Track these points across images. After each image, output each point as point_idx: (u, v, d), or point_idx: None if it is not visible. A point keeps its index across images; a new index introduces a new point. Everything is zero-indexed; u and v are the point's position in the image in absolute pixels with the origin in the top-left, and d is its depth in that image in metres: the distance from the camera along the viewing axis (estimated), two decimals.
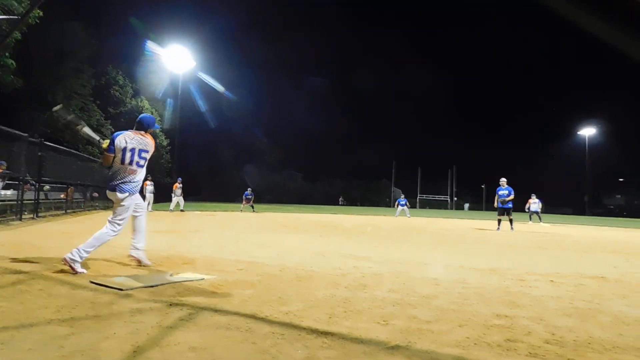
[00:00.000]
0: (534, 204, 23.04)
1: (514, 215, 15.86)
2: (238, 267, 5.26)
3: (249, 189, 26.40)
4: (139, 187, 5.03)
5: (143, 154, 4.97)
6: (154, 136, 5.16)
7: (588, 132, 58.51)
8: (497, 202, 15.50)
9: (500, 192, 15.44)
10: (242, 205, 25.91)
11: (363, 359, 2.34)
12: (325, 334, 2.75)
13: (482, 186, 70.83)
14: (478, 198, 69.62)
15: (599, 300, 4.08)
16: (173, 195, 22.62)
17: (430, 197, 69.16)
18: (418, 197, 69.67)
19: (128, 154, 4.86)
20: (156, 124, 5.47)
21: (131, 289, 3.82)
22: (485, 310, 3.51)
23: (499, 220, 15.61)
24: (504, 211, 15.41)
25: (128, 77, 37.36)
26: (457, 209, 66.81)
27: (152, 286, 3.94)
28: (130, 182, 4.90)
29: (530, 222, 22.57)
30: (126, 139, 4.90)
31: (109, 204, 22.34)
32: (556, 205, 56.08)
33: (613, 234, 16.56)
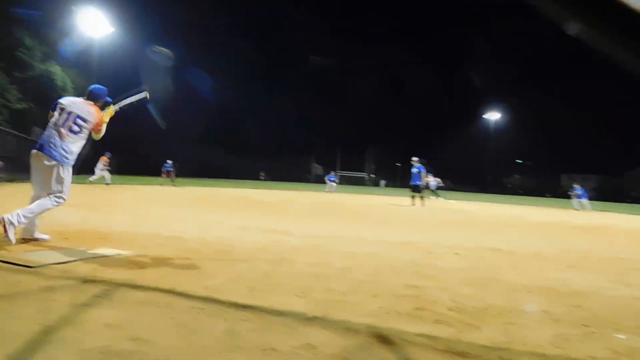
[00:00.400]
0: (432, 181, 24.62)
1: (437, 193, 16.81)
2: (157, 241, 5.09)
3: (168, 161, 25.08)
4: (71, 159, 4.71)
5: (79, 121, 4.69)
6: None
7: (493, 116, 63.00)
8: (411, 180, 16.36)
9: (412, 171, 16.27)
10: (161, 178, 24.75)
11: (282, 330, 2.40)
12: (245, 307, 2.78)
13: (398, 164, 74.13)
14: (394, 176, 72.93)
15: (495, 270, 4.50)
16: (97, 168, 21.08)
17: (349, 173, 71.12)
18: (337, 174, 71.38)
19: (64, 115, 4.63)
20: (108, 97, 5.10)
21: (41, 265, 3.55)
22: (397, 282, 3.74)
23: (413, 197, 16.49)
24: (415, 188, 16.26)
25: (37, 39, 33.52)
26: (374, 185, 69.38)
27: (64, 262, 3.70)
28: (57, 147, 4.55)
29: (440, 199, 24.08)
30: (70, 101, 4.76)
31: (17, 176, 20.15)
32: (463, 184, 60.24)
33: (510, 211, 18.25)
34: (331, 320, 2.63)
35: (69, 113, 4.65)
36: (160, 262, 4.01)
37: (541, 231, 9.72)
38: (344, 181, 68.71)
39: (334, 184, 28.12)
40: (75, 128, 4.67)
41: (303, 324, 2.53)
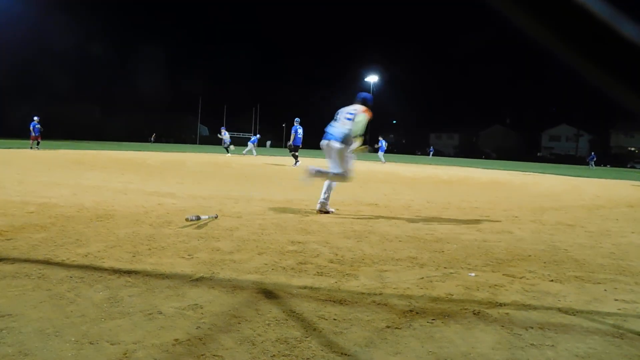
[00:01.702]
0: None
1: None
2: (26, 209, 4.59)
3: (35, 117, 21.50)
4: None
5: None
6: None
7: (372, 79, 65.88)
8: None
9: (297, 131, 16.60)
10: (31, 142, 21.32)
11: (167, 293, 2.38)
12: (129, 272, 2.69)
13: (283, 125, 74.38)
14: (279, 136, 73.16)
15: (371, 223, 4.88)
16: None
17: (235, 134, 69.79)
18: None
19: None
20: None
21: None
22: (282, 238, 3.88)
23: (294, 156, 16.87)
24: (293, 147, 16.75)
25: None
26: (260, 146, 69.04)
27: None
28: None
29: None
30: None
31: None
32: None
33: (385, 168, 19.58)
34: (217, 279, 2.67)
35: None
36: (30, 231, 3.64)
37: (411, 186, 10.64)
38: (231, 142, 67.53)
39: (253, 147, 27.02)
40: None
41: (189, 285, 2.53)
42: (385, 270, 3.05)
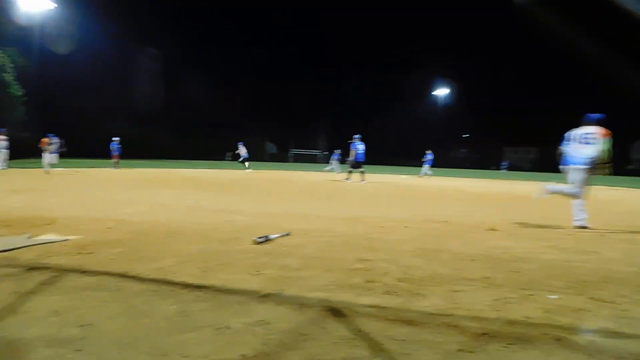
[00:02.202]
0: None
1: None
2: (106, 225, 4.93)
3: (115, 138, 23.16)
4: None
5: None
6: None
7: (442, 92, 64.58)
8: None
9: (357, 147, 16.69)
10: (114, 161, 22.98)
11: (236, 308, 2.42)
12: (199, 287, 2.78)
13: (349, 142, 74.71)
14: (346, 152, 73.32)
15: (442, 241, 4.70)
16: (43, 153, 19.34)
17: (303, 151, 71.14)
18: (291, 152, 71.25)
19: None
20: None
21: None
22: (349, 256, 3.83)
23: (350, 172, 16.87)
24: (355, 163, 16.68)
25: None
26: (327, 162, 69.75)
27: (6, 250, 3.52)
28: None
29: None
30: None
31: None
32: (411, 159, 61.80)
33: (457, 183, 18.96)
34: (284, 296, 2.68)
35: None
36: (109, 246, 3.90)
37: (484, 202, 10.19)
38: (298, 158, 68.73)
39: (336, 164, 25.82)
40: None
41: (256, 302, 2.56)
42: (457, 291, 2.90)
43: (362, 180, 16.41)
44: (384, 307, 2.52)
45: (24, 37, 31.76)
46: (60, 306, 2.33)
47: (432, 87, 65.53)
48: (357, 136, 16.45)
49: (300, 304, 2.54)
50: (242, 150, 25.64)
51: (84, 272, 3.04)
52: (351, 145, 16.56)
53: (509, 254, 4.14)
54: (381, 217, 6.55)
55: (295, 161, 67.57)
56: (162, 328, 2.11)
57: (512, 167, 58.72)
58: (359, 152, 16.37)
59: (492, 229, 5.52)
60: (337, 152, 26.66)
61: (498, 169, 57.90)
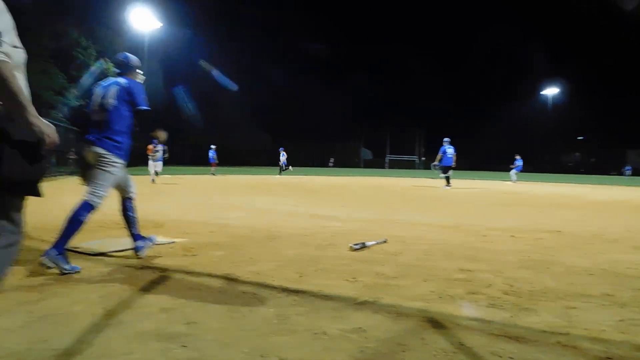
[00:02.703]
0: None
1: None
2: (208, 229, 5.26)
3: (213, 146, 24.36)
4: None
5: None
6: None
7: (551, 91, 59.87)
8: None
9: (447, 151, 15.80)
10: (212, 169, 24.70)
11: (332, 314, 2.41)
12: (296, 292, 2.82)
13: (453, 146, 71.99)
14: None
15: (553, 252, 4.30)
16: (149, 161, 21.21)
17: (399, 157, 70.06)
18: (387, 158, 70.57)
19: None
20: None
21: (101, 253, 3.78)
22: (449, 265, 3.66)
23: (446, 178, 15.90)
24: (442, 168, 15.81)
25: (91, 38, 35.21)
26: (425, 169, 68.10)
27: (121, 250, 3.90)
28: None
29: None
30: None
31: (75, 170, 21.39)
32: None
33: (570, 190, 17.34)
34: (381, 304, 2.62)
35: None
36: (211, 248, 4.14)
37: (603, 211, 9.19)
38: (394, 164, 67.80)
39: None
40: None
41: (353, 308, 2.53)
42: (573, 307, 2.62)
43: (447, 186, 15.68)
44: (489, 321, 2.35)
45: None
46: (168, 304, 2.50)
47: (540, 86, 61.01)
48: (446, 140, 15.80)
49: (397, 313, 2.47)
50: (283, 157, 26.22)
51: (188, 272, 3.25)
52: (440, 149, 15.89)
53: (636, 269, 3.66)
54: (483, 225, 6.20)
55: (391, 167, 66.81)
56: (260, 330, 2.17)
57: (637, 172, 52.35)
58: (447, 156, 15.65)
59: (614, 241, 4.95)
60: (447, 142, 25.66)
61: (620, 174, 51.97)
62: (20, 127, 1.60)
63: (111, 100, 3.50)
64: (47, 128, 1.66)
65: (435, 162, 15.95)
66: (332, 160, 64.34)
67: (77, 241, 4.28)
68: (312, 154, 63.86)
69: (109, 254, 3.82)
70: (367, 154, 76.68)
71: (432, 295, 2.83)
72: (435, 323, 2.32)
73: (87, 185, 3.36)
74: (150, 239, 3.85)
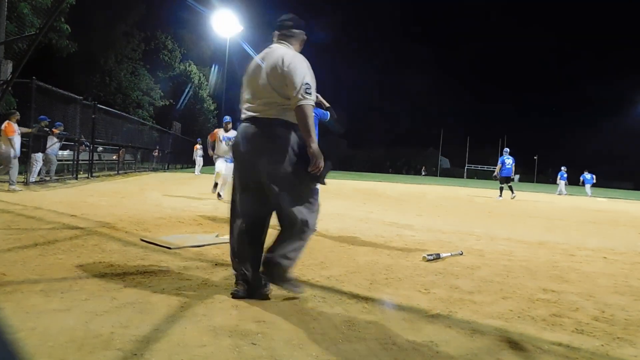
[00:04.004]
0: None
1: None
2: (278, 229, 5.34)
3: None
4: None
5: None
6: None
7: None
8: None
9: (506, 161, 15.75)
10: None
11: (402, 325, 2.33)
12: (366, 299, 2.77)
13: (535, 157, 68.11)
14: (529, 169, 66.76)
15: None
16: (196, 157, 22.26)
17: (479, 167, 67.31)
18: (466, 167, 68.11)
19: None
20: None
21: (178, 247, 3.97)
22: (531, 284, 3.41)
23: (509, 187, 15.82)
24: (501, 179, 15.81)
25: (176, 41, 37.76)
26: None
27: (198, 246, 4.08)
28: None
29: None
30: None
31: (157, 166, 22.89)
32: (616, 180, 53.04)
33: None
34: (455, 319, 2.49)
35: None
36: None
37: None
38: (473, 174, 65.26)
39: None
40: None
41: (425, 321, 2.43)
42: None
43: (499, 197, 15.74)
44: (576, 348, 2.15)
45: (217, 57, 37.11)
46: (240, 301, 2.55)
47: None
48: (506, 150, 15.94)
49: (472, 329, 2.33)
50: None
51: None
52: (499, 159, 15.89)
53: None
54: (571, 243, 5.73)
55: (469, 177, 64.34)
56: (329, 334, 2.14)
57: None
58: (506, 167, 15.52)
59: None
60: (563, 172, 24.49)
61: None
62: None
63: None
64: (319, 154, 2.51)
65: (495, 173, 15.98)
66: (424, 168, 63.35)
67: (156, 235, 4.54)
68: (396, 160, 63.23)
69: (186, 248, 3.99)
70: (446, 162, 74.55)
71: (511, 314, 2.65)
72: (514, 344, 2.17)
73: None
74: None
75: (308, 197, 2.70)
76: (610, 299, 3.13)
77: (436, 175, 63.88)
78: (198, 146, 22.24)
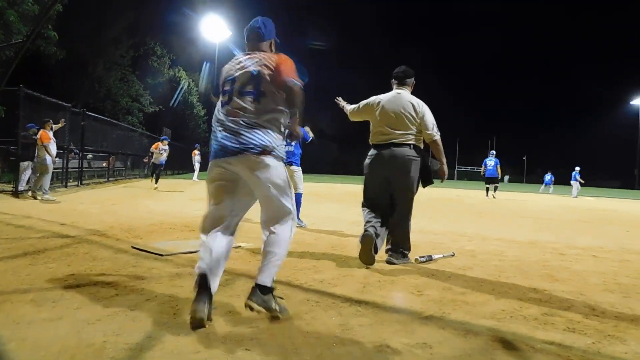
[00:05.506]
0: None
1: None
2: None
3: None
4: None
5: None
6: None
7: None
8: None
9: (489, 163, 17.01)
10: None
11: (396, 327, 2.34)
12: (359, 302, 2.77)
13: (524, 158, 68.66)
14: (519, 169, 67.30)
15: None
16: (194, 163, 22.22)
17: (469, 168, 67.69)
18: (456, 169, 68.44)
19: None
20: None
21: (170, 254, 3.95)
22: (523, 284, 3.44)
23: (487, 188, 17.23)
24: (491, 180, 17.07)
25: (165, 47, 37.58)
26: (501, 181, 64.98)
27: (190, 252, 4.06)
28: None
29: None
30: None
31: (148, 173, 22.73)
32: (603, 179, 53.53)
33: None
34: (448, 320, 2.50)
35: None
36: None
37: None
38: (463, 176, 65.58)
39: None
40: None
41: (418, 322, 2.44)
42: None
43: (487, 196, 16.81)
44: (568, 347, 2.17)
45: (205, 62, 37.00)
46: (235, 307, 2.55)
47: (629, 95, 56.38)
48: (492, 152, 17.11)
49: (465, 330, 2.34)
50: None
51: (253, 277, 3.28)
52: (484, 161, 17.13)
53: None
54: (561, 242, 5.79)
55: (460, 178, 64.63)
56: (323, 338, 2.14)
57: None
58: (488, 168, 16.76)
59: None
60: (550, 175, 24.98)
61: None
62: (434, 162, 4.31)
63: None
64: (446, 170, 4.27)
65: (482, 173, 17.31)
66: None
67: (148, 242, 4.52)
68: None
69: (178, 255, 3.97)
70: (435, 164, 74.85)
71: (503, 314, 2.67)
72: (507, 344, 2.18)
73: None
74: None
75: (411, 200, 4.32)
76: (600, 296, 3.16)
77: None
78: (196, 152, 22.18)
